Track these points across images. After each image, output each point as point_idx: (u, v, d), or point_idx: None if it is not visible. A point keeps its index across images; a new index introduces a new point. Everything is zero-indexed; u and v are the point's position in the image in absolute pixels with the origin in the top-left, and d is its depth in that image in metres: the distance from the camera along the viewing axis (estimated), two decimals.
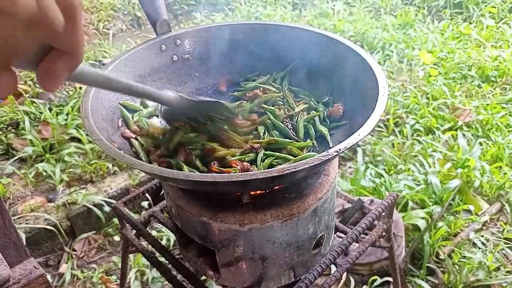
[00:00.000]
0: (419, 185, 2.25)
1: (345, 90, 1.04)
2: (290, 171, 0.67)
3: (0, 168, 2.38)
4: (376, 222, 1.17)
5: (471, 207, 2.14)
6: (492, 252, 1.93)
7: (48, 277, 1.99)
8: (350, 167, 2.61)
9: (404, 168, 2.42)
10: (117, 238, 2.19)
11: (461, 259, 1.90)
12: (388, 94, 0.85)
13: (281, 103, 1.12)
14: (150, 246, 1.16)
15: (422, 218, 2.01)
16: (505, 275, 1.83)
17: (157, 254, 1.14)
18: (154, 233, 2.12)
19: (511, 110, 2.91)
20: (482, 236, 2.04)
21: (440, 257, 1.94)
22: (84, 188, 2.30)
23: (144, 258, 1.41)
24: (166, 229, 2.06)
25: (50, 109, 2.82)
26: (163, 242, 2.06)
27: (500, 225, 2.13)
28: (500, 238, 2.04)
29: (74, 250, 2.13)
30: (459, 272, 1.84)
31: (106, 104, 0.96)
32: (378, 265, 1.87)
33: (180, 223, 0.97)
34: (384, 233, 1.20)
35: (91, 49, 3.83)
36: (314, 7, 4.63)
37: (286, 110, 1.08)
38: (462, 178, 2.24)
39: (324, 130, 1.01)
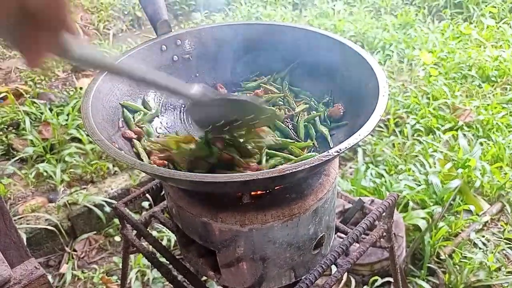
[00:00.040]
0: (419, 185, 2.24)
1: (345, 90, 1.04)
2: (290, 171, 0.67)
3: (1, 169, 2.38)
4: (376, 222, 1.17)
5: (472, 207, 2.14)
6: (493, 252, 1.92)
7: (49, 277, 1.99)
8: (350, 167, 2.61)
9: (405, 168, 2.42)
10: (117, 238, 2.19)
11: (462, 259, 1.90)
12: (389, 94, 0.85)
13: (282, 103, 1.12)
14: (150, 247, 1.16)
15: (423, 218, 2.01)
16: (506, 276, 1.83)
17: (158, 254, 1.14)
18: (154, 233, 2.12)
19: None
20: (483, 236, 2.04)
21: (441, 257, 1.94)
22: (84, 188, 2.30)
23: (145, 259, 1.41)
24: (167, 229, 2.06)
25: (51, 110, 2.82)
26: (164, 243, 2.06)
27: (501, 225, 2.13)
28: (501, 238, 2.04)
29: (74, 250, 2.13)
30: (460, 272, 1.84)
31: (106, 105, 0.96)
32: (378, 266, 1.87)
33: (181, 223, 0.97)
34: (384, 234, 1.20)
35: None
36: (314, 7, 4.63)
37: (286, 110, 1.08)
38: (463, 178, 2.24)
39: (325, 130, 1.01)
